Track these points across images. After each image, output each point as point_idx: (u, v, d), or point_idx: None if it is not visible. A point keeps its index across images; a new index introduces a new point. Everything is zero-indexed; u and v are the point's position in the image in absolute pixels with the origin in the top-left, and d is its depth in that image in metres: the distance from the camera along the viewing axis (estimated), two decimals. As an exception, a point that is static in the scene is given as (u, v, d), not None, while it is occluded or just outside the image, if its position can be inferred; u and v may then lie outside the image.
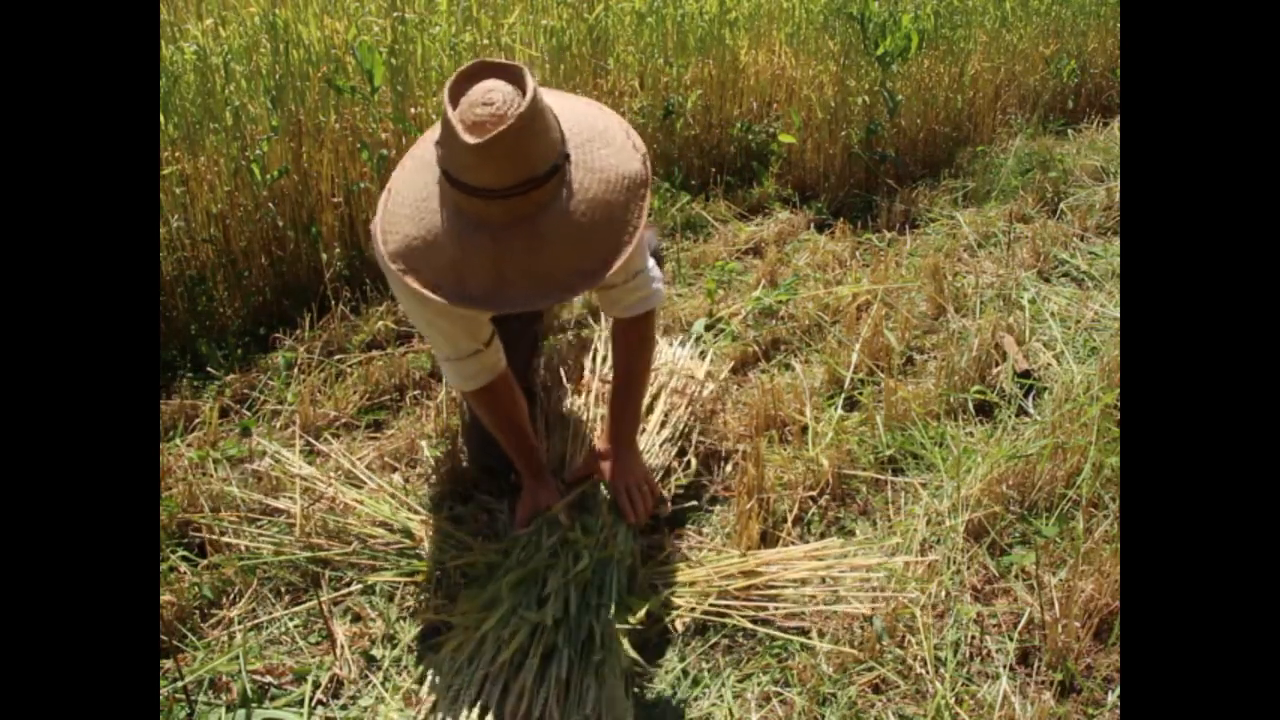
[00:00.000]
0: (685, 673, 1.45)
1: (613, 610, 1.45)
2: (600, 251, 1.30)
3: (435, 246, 1.30)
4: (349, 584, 1.64)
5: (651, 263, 1.62)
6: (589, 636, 1.41)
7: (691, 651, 1.49)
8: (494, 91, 1.23)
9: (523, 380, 1.82)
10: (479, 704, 1.34)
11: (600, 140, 1.35)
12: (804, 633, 1.50)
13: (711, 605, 1.53)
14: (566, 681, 1.36)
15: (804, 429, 1.97)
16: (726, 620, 1.52)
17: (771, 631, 1.50)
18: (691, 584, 1.57)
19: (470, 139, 1.20)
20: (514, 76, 1.26)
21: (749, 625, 1.50)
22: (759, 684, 1.43)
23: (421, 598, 1.61)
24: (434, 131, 1.39)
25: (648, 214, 1.33)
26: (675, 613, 1.53)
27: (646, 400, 1.94)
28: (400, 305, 1.54)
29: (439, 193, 1.31)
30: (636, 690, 1.41)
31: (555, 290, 1.30)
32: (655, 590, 1.55)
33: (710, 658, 1.48)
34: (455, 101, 1.24)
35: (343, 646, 1.51)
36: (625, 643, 1.41)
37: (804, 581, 1.58)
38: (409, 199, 1.35)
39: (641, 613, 1.48)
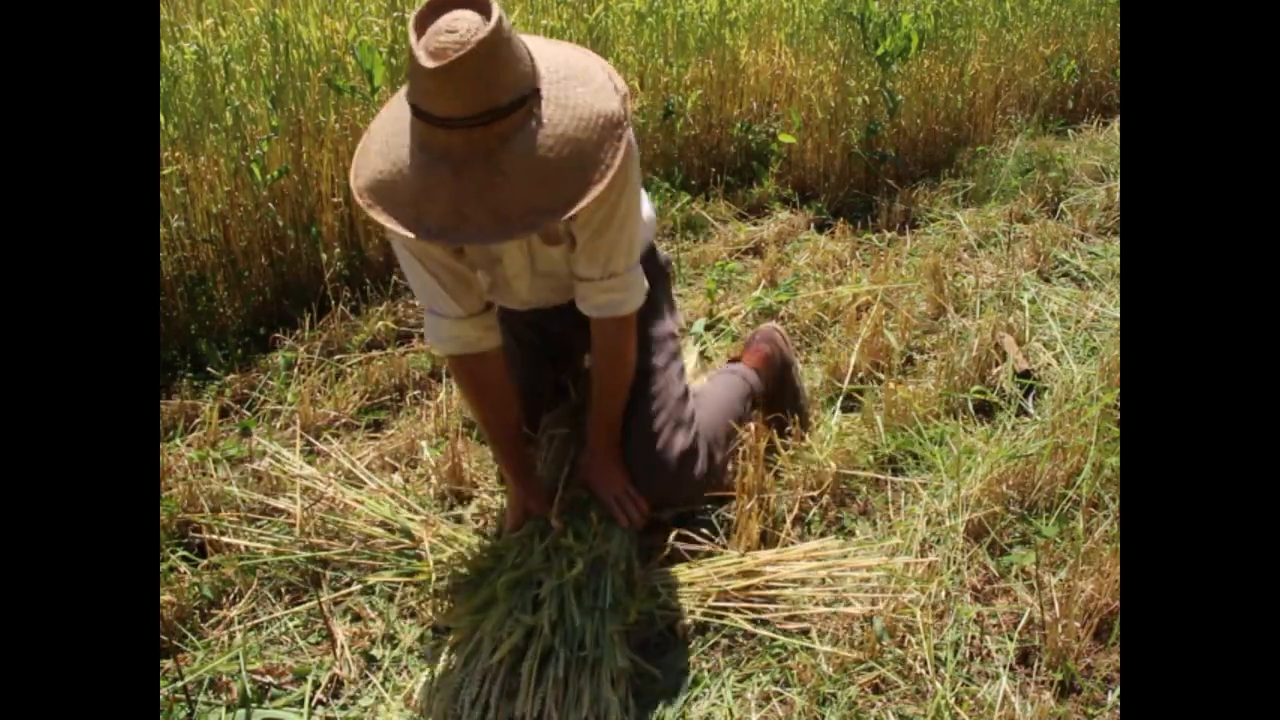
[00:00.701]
0: (685, 673, 1.45)
1: (608, 613, 1.44)
2: (566, 190, 1.26)
3: (400, 179, 1.29)
4: (349, 584, 1.64)
5: (639, 273, 1.57)
6: (584, 639, 1.40)
7: (691, 652, 1.49)
8: (460, 20, 1.22)
9: (530, 415, 1.80)
10: (478, 704, 1.34)
11: (578, 79, 1.31)
12: (804, 633, 1.50)
13: (711, 606, 1.53)
14: (565, 682, 1.36)
15: (804, 429, 1.97)
16: (726, 622, 1.51)
17: (771, 634, 1.49)
18: (691, 584, 1.57)
19: (430, 63, 1.19)
20: (481, 6, 1.24)
21: (748, 627, 1.50)
22: (759, 684, 1.43)
23: (421, 598, 1.61)
24: None
25: (623, 156, 1.29)
26: (675, 614, 1.53)
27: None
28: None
29: (409, 128, 1.30)
30: (636, 691, 1.41)
31: (514, 228, 1.27)
32: (654, 592, 1.55)
33: (710, 658, 1.48)
34: (421, 30, 1.22)
35: (343, 646, 1.51)
36: (620, 645, 1.40)
37: (803, 582, 1.58)
38: (380, 136, 1.35)
39: (635, 613, 1.47)
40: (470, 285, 1.53)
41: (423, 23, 1.24)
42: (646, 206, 1.71)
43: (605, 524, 1.59)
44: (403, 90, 1.35)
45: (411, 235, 1.28)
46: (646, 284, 1.59)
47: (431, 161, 1.26)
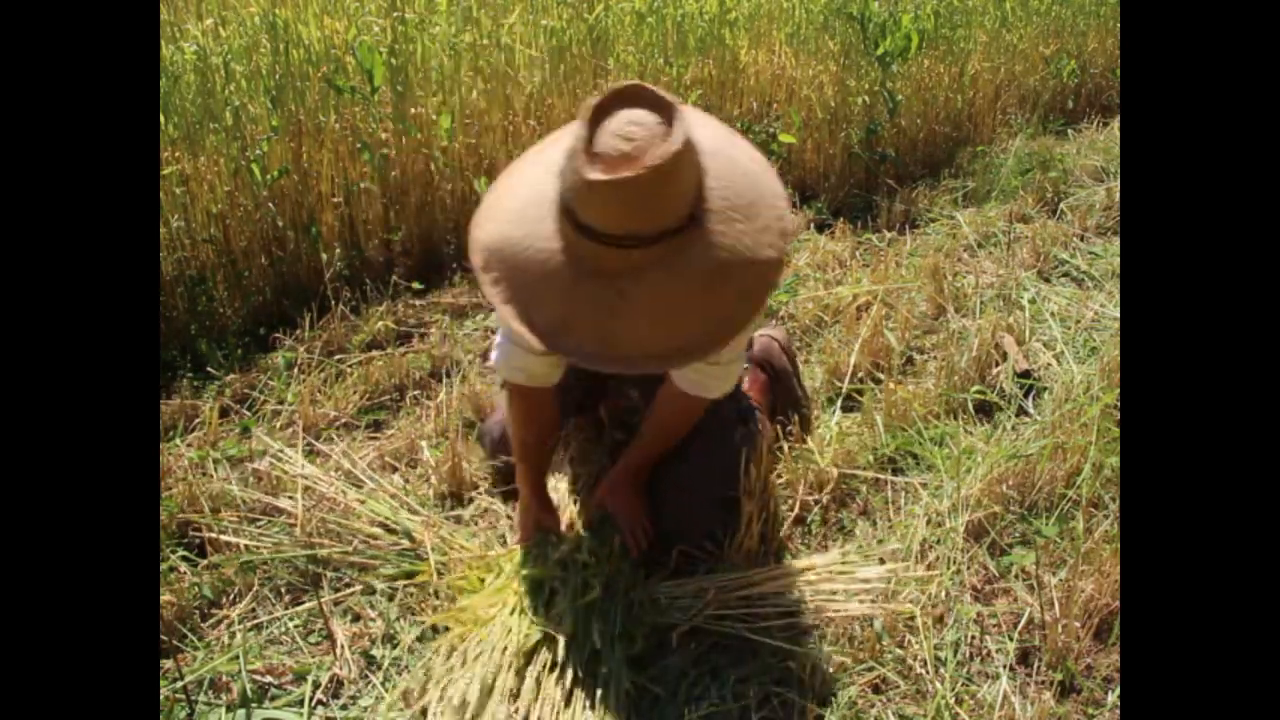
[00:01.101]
0: (685, 673, 1.45)
1: (617, 632, 1.43)
2: (680, 341, 1.16)
3: (523, 260, 1.18)
4: (349, 584, 1.64)
5: (738, 366, 1.48)
6: (592, 654, 1.40)
7: (691, 655, 1.48)
8: (639, 127, 1.10)
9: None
10: (477, 706, 1.34)
11: (744, 211, 1.17)
12: (804, 634, 1.50)
13: (711, 614, 1.52)
14: (569, 691, 1.35)
15: (804, 429, 1.97)
16: (726, 628, 1.50)
17: (771, 639, 1.49)
18: (691, 596, 1.56)
19: (590, 172, 1.08)
20: (668, 115, 1.11)
21: (748, 635, 1.49)
22: (759, 684, 1.42)
23: (422, 598, 1.61)
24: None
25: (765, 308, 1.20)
26: (675, 623, 1.52)
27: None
28: None
29: (556, 205, 1.18)
30: (636, 694, 1.41)
31: (614, 361, 1.18)
32: (656, 601, 1.54)
33: (709, 659, 1.48)
34: (596, 122, 1.11)
35: (343, 646, 1.51)
36: (626, 669, 1.40)
37: (803, 586, 1.57)
38: (524, 196, 1.23)
39: (640, 640, 1.47)
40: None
41: (601, 112, 1.11)
42: None
43: (621, 548, 1.59)
44: (561, 153, 1.19)
45: (512, 322, 1.19)
46: (742, 370, 1.51)
47: (559, 255, 1.16)
